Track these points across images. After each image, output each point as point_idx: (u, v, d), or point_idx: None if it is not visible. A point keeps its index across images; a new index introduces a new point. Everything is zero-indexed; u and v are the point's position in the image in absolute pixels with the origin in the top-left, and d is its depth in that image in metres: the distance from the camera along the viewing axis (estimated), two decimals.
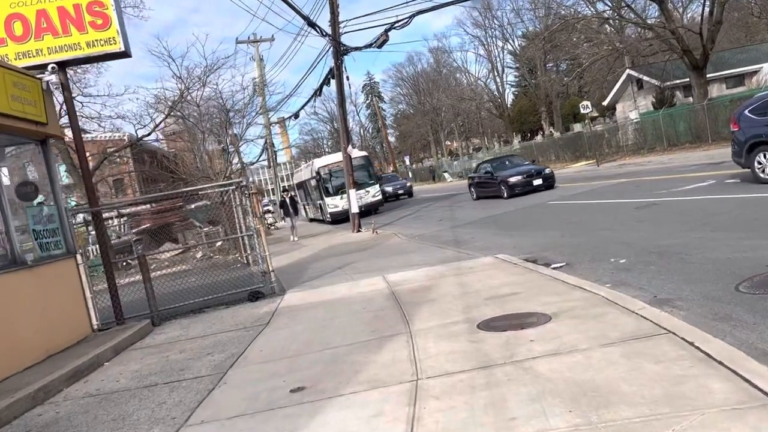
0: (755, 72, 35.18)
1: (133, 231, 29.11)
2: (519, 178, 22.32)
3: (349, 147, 21.27)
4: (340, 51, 20.60)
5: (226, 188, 10.82)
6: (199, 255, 20.69)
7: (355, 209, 21.26)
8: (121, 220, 25.47)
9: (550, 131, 63.88)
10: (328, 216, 28.85)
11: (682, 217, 10.93)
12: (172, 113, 20.43)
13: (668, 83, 35.91)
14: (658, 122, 32.15)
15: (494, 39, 76.74)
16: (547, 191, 21.72)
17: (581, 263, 9.09)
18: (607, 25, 45.09)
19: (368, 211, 27.83)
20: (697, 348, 4.33)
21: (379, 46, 19.79)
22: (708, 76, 32.60)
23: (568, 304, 6.24)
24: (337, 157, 26.90)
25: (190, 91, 20.51)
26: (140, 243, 27.80)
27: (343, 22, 20.58)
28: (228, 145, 22.86)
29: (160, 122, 19.32)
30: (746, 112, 12.46)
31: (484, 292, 7.57)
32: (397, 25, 19.59)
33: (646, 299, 6.42)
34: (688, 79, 33.44)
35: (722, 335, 4.87)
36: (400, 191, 40.20)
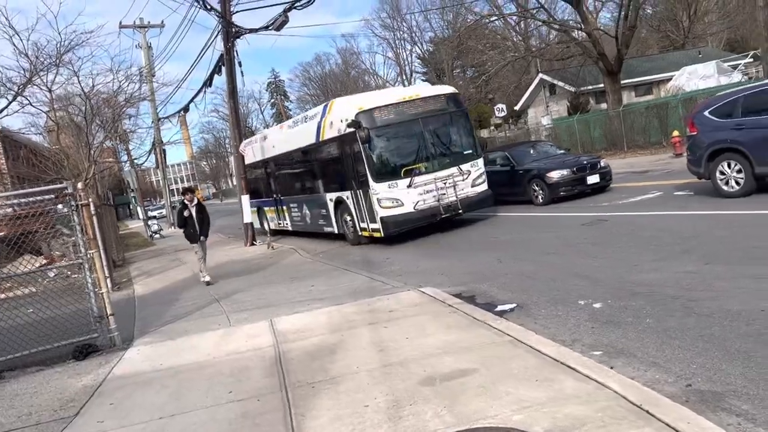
0: (664, 81, 35.05)
1: None
2: (564, 173, 14.44)
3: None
4: (231, 33, 17.49)
5: (38, 197, 7.59)
6: (52, 273, 16.86)
7: (248, 218, 18.15)
8: None
9: None
10: (376, 225, 13.06)
11: (648, 239, 8.82)
12: (17, 99, 16.46)
13: (582, 89, 35.15)
14: (573, 128, 31.02)
15: (403, 42, 75.24)
16: (595, 195, 14.64)
17: (538, 306, 6.70)
18: (514, 32, 44.32)
19: (446, 219, 13.36)
20: None
21: (278, 29, 16.84)
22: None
23: (565, 410, 3.71)
24: (396, 94, 13.71)
25: (40, 74, 16.58)
26: None
27: None
28: (89, 140, 18.79)
29: (2, 110, 15.45)
30: (706, 113, 10.63)
31: (418, 366, 4.94)
32: (298, 4, 16.75)
33: (677, 390, 4.04)
34: (601, 85, 32.72)
35: None
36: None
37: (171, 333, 7.93)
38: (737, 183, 10.17)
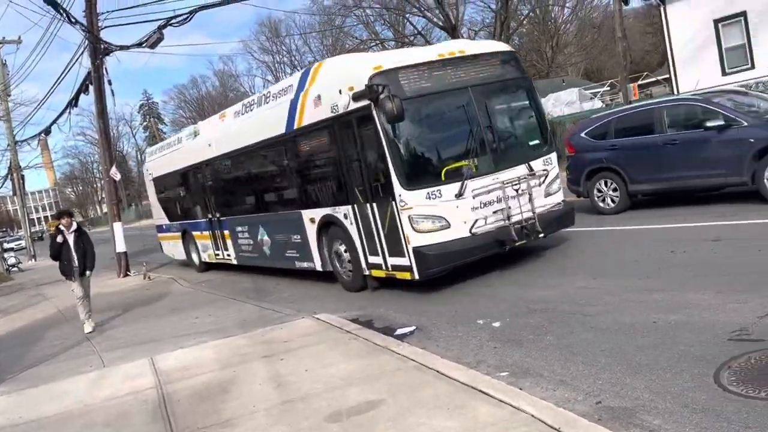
0: None
1: None
2: None
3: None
4: (99, 49, 16.32)
5: None
6: None
7: (121, 247, 16.85)
8: None
9: None
10: (402, 261, 7.92)
11: (536, 256, 9.03)
12: None
13: None
14: None
15: (282, 65, 74.66)
16: None
17: (438, 328, 6.58)
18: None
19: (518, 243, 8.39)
20: None
21: (152, 46, 15.94)
22: None
23: None
24: (428, 51, 8.75)
25: None
26: None
27: (104, 13, 16.40)
28: None
29: None
30: (582, 134, 11.21)
31: (321, 400, 4.59)
32: (174, 22, 15.97)
33: (588, 408, 3.99)
34: None
35: None
36: None
37: (33, 379, 7.01)
38: (613, 201, 10.75)
